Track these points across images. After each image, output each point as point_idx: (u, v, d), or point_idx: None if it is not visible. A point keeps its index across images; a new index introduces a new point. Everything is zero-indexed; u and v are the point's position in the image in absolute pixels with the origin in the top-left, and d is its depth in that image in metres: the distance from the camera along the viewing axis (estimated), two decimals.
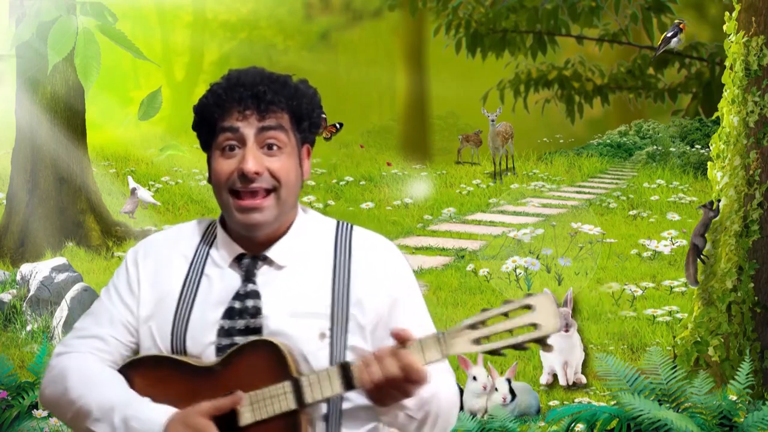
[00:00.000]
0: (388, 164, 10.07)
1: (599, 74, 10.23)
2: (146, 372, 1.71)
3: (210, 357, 1.71)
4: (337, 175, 9.76)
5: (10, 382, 4.23)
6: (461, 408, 4.53)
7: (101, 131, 8.57)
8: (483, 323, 1.62)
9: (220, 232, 1.79)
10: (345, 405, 1.72)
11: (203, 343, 1.72)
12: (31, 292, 5.88)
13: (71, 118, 7.49)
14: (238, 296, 1.73)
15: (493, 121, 9.41)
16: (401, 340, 1.60)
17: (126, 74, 9.21)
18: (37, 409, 4.04)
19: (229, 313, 1.72)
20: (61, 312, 5.66)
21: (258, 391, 1.64)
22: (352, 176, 9.71)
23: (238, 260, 1.76)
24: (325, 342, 1.70)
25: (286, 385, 1.64)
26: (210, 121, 1.74)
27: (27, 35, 6.05)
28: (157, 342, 1.73)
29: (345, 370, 1.62)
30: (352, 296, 1.73)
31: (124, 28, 5.97)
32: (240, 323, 1.71)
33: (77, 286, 5.74)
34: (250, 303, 1.72)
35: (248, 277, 1.74)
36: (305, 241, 1.78)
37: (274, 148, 1.72)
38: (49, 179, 7.44)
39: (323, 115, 8.40)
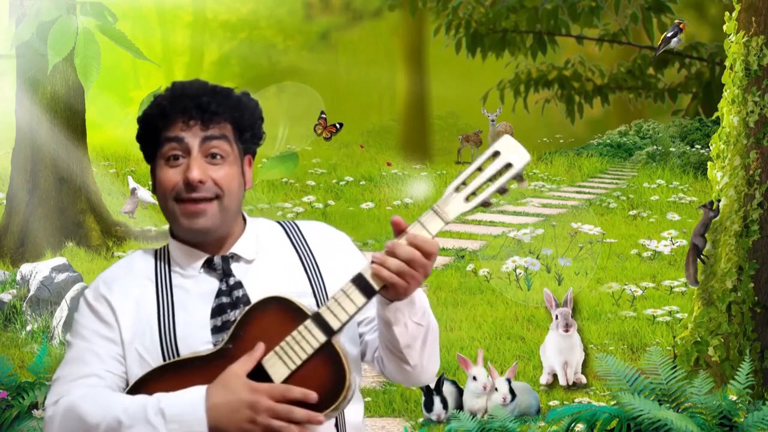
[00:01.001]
0: (388, 164, 10.07)
1: (599, 74, 10.23)
2: (158, 382, 1.69)
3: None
4: (337, 175, 9.76)
5: (10, 382, 4.23)
6: (461, 408, 4.53)
7: (101, 131, 8.57)
8: (464, 183, 1.68)
9: (176, 245, 1.81)
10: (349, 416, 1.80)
11: (197, 345, 1.72)
12: (31, 292, 5.88)
13: (71, 118, 7.49)
14: (222, 292, 1.76)
15: (493, 121, 9.41)
16: (400, 226, 1.67)
17: (126, 74, 9.21)
18: (37, 409, 4.05)
19: (219, 310, 1.74)
20: (61, 312, 5.66)
21: (282, 343, 1.64)
22: (352, 176, 9.71)
23: (207, 264, 1.78)
24: None
25: (308, 323, 1.65)
26: (154, 132, 1.77)
27: (27, 35, 6.05)
28: (148, 361, 1.72)
29: (359, 278, 1.65)
30: (323, 272, 1.81)
31: (124, 28, 5.97)
32: (233, 314, 1.73)
33: (77, 286, 5.74)
34: (238, 292, 1.75)
35: (226, 273, 1.77)
36: (262, 238, 1.84)
37: (218, 157, 1.76)
38: (49, 179, 7.44)
39: (323, 115, 8.40)
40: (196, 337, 1.73)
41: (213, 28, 10.31)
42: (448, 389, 4.59)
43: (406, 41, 10.67)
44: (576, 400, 4.63)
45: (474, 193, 1.68)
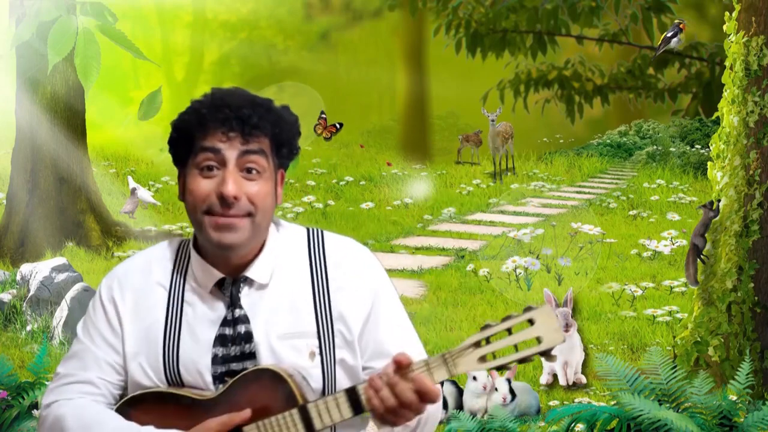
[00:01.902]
0: (388, 164, 10.06)
1: (599, 74, 10.22)
2: (146, 408, 1.69)
3: (207, 384, 1.71)
4: (337, 175, 9.75)
5: (10, 382, 4.22)
6: (461, 408, 4.53)
7: (101, 131, 8.57)
8: (487, 340, 1.62)
9: (194, 256, 1.76)
10: None
11: (197, 370, 1.71)
12: (31, 292, 5.87)
13: (71, 118, 7.49)
14: (226, 322, 1.72)
15: (493, 121, 9.40)
16: (404, 365, 1.60)
17: (126, 74, 9.21)
18: (37, 409, 4.04)
19: (222, 341, 1.71)
20: (61, 312, 5.66)
21: (266, 420, 1.64)
22: (352, 176, 9.70)
23: (218, 284, 1.74)
24: (317, 360, 1.71)
25: (294, 413, 1.64)
26: (189, 139, 1.72)
27: (27, 35, 6.05)
28: (150, 376, 1.71)
29: (353, 394, 1.63)
30: (334, 312, 1.74)
31: (124, 28, 5.97)
32: (234, 350, 1.70)
33: (77, 286, 5.74)
34: (241, 329, 1.71)
35: (233, 302, 1.73)
36: (281, 256, 1.77)
37: (254, 172, 1.70)
38: (49, 179, 7.44)
39: (323, 115, 8.40)
40: (199, 362, 1.71)
41: (213, 28, 10.30)
42: (448, 389, 4.59)
43: (406, 41, 10.67)
44: (576, 400, 4.63)
45: (493, 354, 1.62)
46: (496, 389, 4.44)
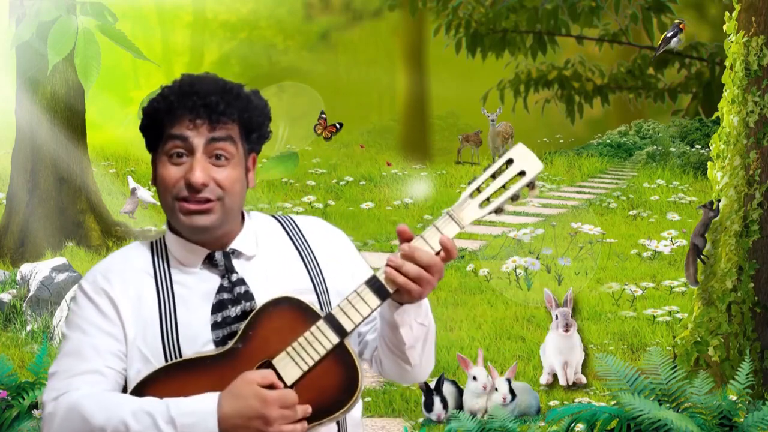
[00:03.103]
0: (388, 164, 10.06)
1: (599, 74, 10.23)
2: (165, 383, 1.65)
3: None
4: (337, 175, 9.76)
5: (10, 382, 4.22)
6: (461, 408, 4.53)
7: (101, 131, 8.57)
8: (478, 190, 1.71)
9: (175, 239, 1.77)
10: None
11: (199, 343, 1.70)
12: (31, 292, 5.88)
13: (71, 118, 7.49)
14: (223, 288, 1.73)
15: (493, 121, 9.41)
16: (406, 234, 1.68)
17: (126, 74, 9.21)
18: (37, 409, 4.04)
19: (220, 306, 1.71)
20: (61, 312, 5.66)
21: (294, 344, 1.63)
22: (352, 176, 9.71)
23: (208, 260, 1.76)
24: None
25: (320, 324, 1.64)
26: (159, 126, 1.73)
27: (27, 35, 6.05)
28: (150, 359, 1.69)
29: (374, 281, 1.65)
30: (323, 268, 1.80)
31: (124, 28, 5.97)
32: (234, 310, 1.71)
33: (77, 286, 5.74)
34: (240, 289, 1.73)
35: (228, 269, 1.75)
36: (261, 234, 1.81)
37: (222, 158, 1.72)
38: (49, 179, 7.44)
39: (323, 115, 8.40)
40: (199, 336, 1.70)
41: (213, 28, 10.31)
42: (448, 389, 4.59)
43: (406, 41, 10.67)
44: (576, 400, 4.63)
45: (488, 200, 1.71)
46: (496, 389, 4.44)
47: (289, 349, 1.63)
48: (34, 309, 5.84)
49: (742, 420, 3.84)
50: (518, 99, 10.39)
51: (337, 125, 8.59)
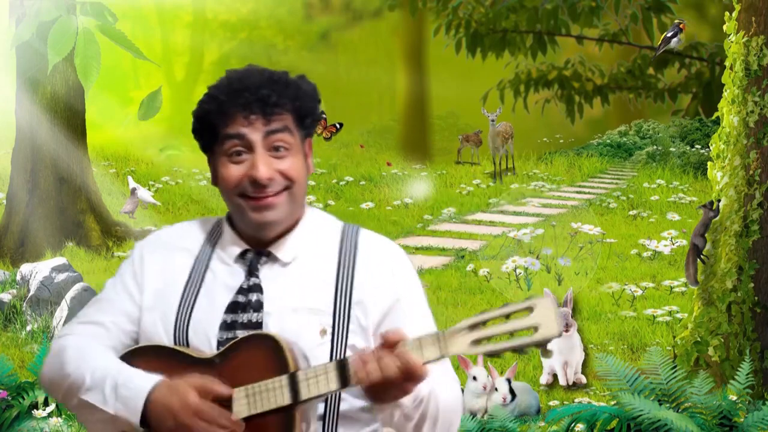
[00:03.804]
0: (388, 164, 10.07)
1: (599, 74, 10.23)
2: (146, 360, 1.70)
3: (212, 349, 1.71)
4: (337, 175, 9.76)
5: (10, 382, 4.23)
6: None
7: (101, 131, 8.57)
8: (483, 324, 1.59)
9: (227, 229, 1.78)
10: (343, 406, 1.71)
11: (206, 336, 1.71)
12: (31, 292, 5.88)
13: (71, 118, 7.49)
14: (241, 290, 1.72)
15: (493, 121, 9.41)
16: (393, 340, 1.58)
17: (126, 74, 9.21)
18: (37, 409, 4.05)
19: (233, 307, 1.71)
20: (61, 312, 5.66)
21: (255, 384, 1.63)
22: (352, 176, 9.71)
23: (242, 256, 1.75)
24: (326, 339, 1.69)
25: (283, 379, 1.62)
26: (212, 128, 1.71)
27: (27, 35, 6.04)
28: (160, 332, 1.73)
29: (342, 366, 1.60)
30: (355, 296, 1.72)
31: (124, 28, 5.97)
32: (243, 317, 1.70)
33: (77, 286, 5.74)
34: (253, 297, 1.71)
35: (251, 271, 1.73)
36: (311, 239, 1.77)
37: (282, 149, 1.70)
38: (49, 179, 7.44)
39: (323, 116, 8.40)
40: (208, 326, 1.71)
41: (213, 28, 10.31)
42: None
43: (406, 41, 10.67)
44: (576, 400, 4.63)
45: (488, 339, 1.58)
46: (496, 389, 4.44)
47: (249, 387, 1.64)
48: (34, 309, 5.84)
49: (742, 420, 3.84)
50: (518, 99, 10.39)
51: (337, 125, 8.59)
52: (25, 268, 6.14)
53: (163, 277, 1.76)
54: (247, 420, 1.63)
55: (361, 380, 1.57)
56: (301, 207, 1.76)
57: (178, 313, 1.73)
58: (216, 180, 1.74)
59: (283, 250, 1.74)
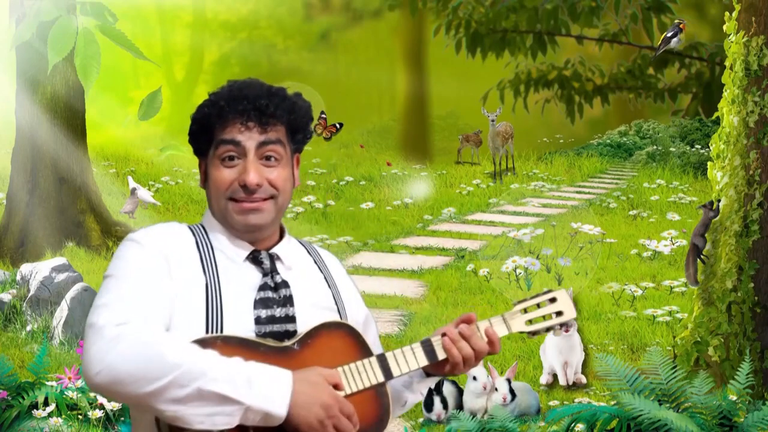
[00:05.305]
0: (388, 164, 10.07)
1: (599, 74, 10.23)
2: (221, 348, 1.68)
3: None
4: (337, 175, 9.76)
5: (10, 382, 4.23)
6: (461, 408, 4.53)
7: (101, 131, 8.57)
8: (525, 310, 1.93)
9: (222, 231, 1.83)
10: None
11: (243, 331, 1.74)
12: (31, 292, 5.87)
13: (71, 118, 7.49)
14: (267, 287, 1.79)
15: (493, 121, 9.41)
16: (473, 320, 1.85)
17: (126, 74, 9.21)
18: (37, 409, 4.05)
19: (264, 303, 1.77)
20: (61, 312, 5.66)
21: (345, 366, 1.74)
22: (352, 176, 9.71)
23: (252, 256, 1.82)
24: None
25: (373, 360, 1.77)
26: (209, 131, 1.80)
27: (27, 35, 6.05)
28: (188, 321, 1.71)
29: (428, 344, 1.82)
30: (343, 297, 1.90)
31: (124, 28, 5.98)
32: (279, 311, 1.77)
33: (77, 286, 5.74)
34: (284, 292, 1.79)
35: (273, 269, 1.81)
36: (294, 248, 1.90)
37: (272, 159, 1.80)
38: (49, 179, 7.44)
39: (323, 115, 8.40)
40: (243, 321, 1.75)
41: (213, 28, 10.31)
42: (448, 389, 4.59)
43: (406, 41, 10.67)
44: (576, 400, 4.63)
45: (531, 321, 1.92)
46: (496, 389, 4.44)
47: (340, 369, 1.74)
48: (34, 309, 5.84)
49: (742, 420, 3.84)
50: (518, 99, 10.39)
51: (337, 125, 8.59)
52: (25, 268, 6.14)
53: (184, 272, 1.77)
54: (347, 398, 1.73)
55: (454, 356, 1.82)
56: (282, 215, 1.86)
57: (208, 309, 1.74)
58: (204, 182, 1.83)
59: (284, 254, 1.85)
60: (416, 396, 1.92)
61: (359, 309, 1.93)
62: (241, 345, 1.70)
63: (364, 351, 1.77)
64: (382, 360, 1.77)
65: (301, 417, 1.64)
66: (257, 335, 1.75)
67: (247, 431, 1.65)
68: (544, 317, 1.93)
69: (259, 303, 1.77)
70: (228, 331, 1.73)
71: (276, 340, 1.74)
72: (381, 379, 1.76)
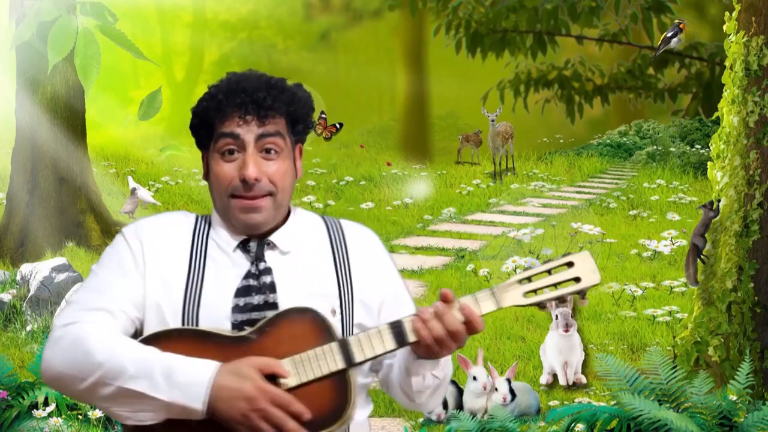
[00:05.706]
0: (388, 164, 10.07)
1: (599, 74, 10.24)
2: (175, 343, 1.68)
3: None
4: (337, 175, 9.76)
5: (10, 382, 4.22)
6: (461, 408, 4.53)
7: (101, 131, 8.58)
8: (529, 279, 1.72)
9: (220, 221, 1.83)
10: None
11: (218, 320, 1.73)
12: (31, 292, 5.88)
13: (71, 118, 7.49)
14: (251, 275, 1.77)
15: (493, 121, 9.41)
16: (450, 298, 1.70)
17: (126, 74, 9.22)
18: (37, 409, 4.05)
19: (245, 291, 1.75)
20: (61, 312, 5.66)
21: (302, 354, 1.66)
22: (352, 176, 9.71)
23: (242, 245, 1.80)
24: (336, 318, 1.76)
25: (333, 346, 1.66)
26: (209, 125, 1.79)
27: (27, 35, 6.05)
28: (165, 317, 1.73)
29: (397, 327, 1.68)
30: (355, 280, 1.82)
31: (124, 28, 5.98)
32: (257, 298, 1.75)
33: (77, 286, 5.74)
34: (266, 279, 1.76)
35: (258, 257, 1.79)
36: (302, 231, 1.85)
37: (272, 152, 1.78)
38: (49, 179, 7.44)
39: (323, 115, 8.40)
40: (219, 309, 1.74)
41: (213, 28, 10.32)
42: (448, 389, 4.59)
43: (406, 41, 10.69)
44: (576, 400, 4.63)
45: (534, 292, 1.71)
46: (496, 389, 4.44)
47: (296, 357, 1.66)
48: (34, 309, 5.84)
49: (742, 420, 3.84)
50: (518, 99, 10.40)
51: (337, 125, 8.60)
52: (25, 268, 6.14)
53: (164, 265, 1.77)
54: (297, 390, 1.64)
55: (424, 337, 1.68)
56: (285, 208, 1.83)
57: (185, 300, 1.74)
58: (207, 175, 1.82)
59: (281, 239, 1.81)
60: (426, 378, 1.78)
61: (377, 291, 1.83)
62: (195, 337, 1.69)
63: (328, 337, 1.67)
64: (344, 345, 1.66)
65: (222, 411, 1.61)
66: (233, 324, 1.72)
67: (190, 424, 1.62)
68: (555, 286, 1.71)
69: (240, 291, 1.75)
70: (203, 319, 1.72)
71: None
72: (341, 365, 1.65)
